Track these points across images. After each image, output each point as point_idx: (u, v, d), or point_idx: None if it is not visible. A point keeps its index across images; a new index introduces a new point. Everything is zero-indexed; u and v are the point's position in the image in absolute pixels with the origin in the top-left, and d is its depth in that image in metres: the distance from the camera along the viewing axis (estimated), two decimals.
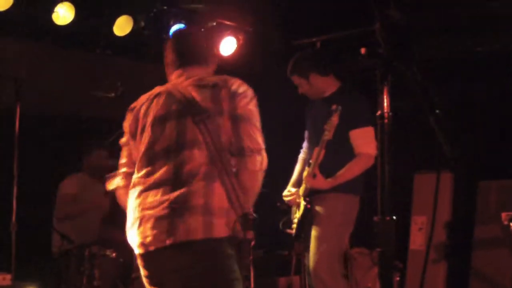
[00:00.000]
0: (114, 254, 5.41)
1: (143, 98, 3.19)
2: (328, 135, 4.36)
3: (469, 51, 5.98)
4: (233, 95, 2.97)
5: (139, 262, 3.06)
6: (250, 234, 2.86)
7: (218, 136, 2.92)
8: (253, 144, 2.95)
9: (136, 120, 3.14)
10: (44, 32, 5.75)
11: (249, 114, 2.98)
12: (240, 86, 3.02)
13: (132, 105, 3.22)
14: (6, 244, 4.84)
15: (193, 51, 3.23)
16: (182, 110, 2.98)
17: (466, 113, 6.19)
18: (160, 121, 3.02)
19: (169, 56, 3.26)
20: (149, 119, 3.06)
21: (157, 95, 3.11)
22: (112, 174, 3.30)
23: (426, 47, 5.33)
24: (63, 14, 5.57)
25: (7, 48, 5.86)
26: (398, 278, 5.81)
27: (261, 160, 2.97)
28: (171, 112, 3.01)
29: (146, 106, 3.12)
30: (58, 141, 6.34)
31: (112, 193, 6.06)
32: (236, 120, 2.95)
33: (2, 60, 5.75)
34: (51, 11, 5.50)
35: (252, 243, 2.91)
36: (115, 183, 3.26)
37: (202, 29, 3.43)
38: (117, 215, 5.94)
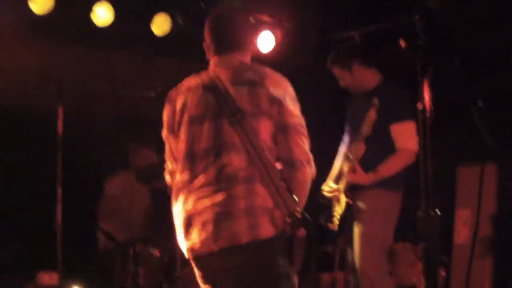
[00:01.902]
0: (158, 253, 5.44)
1: (180, 87, 3.14)
2: (365, 130, 4.32)
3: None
4: (273, 100, 2.92)
5: (192, 263, 3.07)
6: (301, 232, 2.85)
7: (256, 137, 2.89)
8: (304, 156, 2.95)
9: (173, 112, 3.09)
10: (84, 33, 5.81)
11: (297, 122, 2.96)
12: (278, 86, 2.96)
13: (170, 95, 3.16)
14: (52, 243, 4.91)
15: (229, 36, 3.14)
16: (218, 110, 2.95)
17: (509, 103, 6.07)
18: (197, 121, 2.99)
19: (206, 38, 3.19)
20: (186, 116, 3.02)
21: (195, 88, 3.06)
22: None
23: (467, 38, 5.24)
24: (102, 15, 5.63)
25: (48, 50, 5.93)
26: (443, 273, 5.73)
27: (311, 170, 2.99)
28: (208, 111, 2.97)
29: (182, 99, 3.06)
30: (100, 141, 6.41)
31: (155, 192, 6.14)
32: (285, 129, 2.93)
33: (43, 63, 5.82)
34: (90, 12, 5.57)
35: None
36: (166, 178, 3.28)
37: (240, 11, 3.33)
38: (159, 213, 6.01)
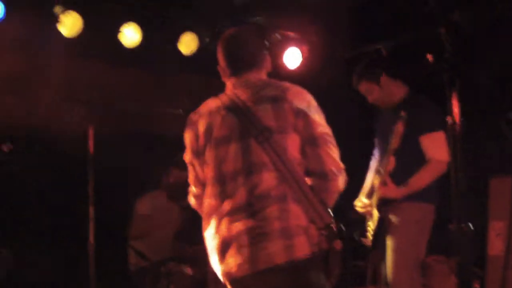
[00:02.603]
0: (189, 270, 5.45)
1: (200, 110, 3.11)
2: (393, 143, 4.29)
3: None
4: (299, 113, 2.90)
5: (227, 285, 3.03)
6: (338, 244, 2.84)
7: (285, 153, 2.86)
8: (335, 165, 2.92)
9: (195, 135, 3.06)
10: (112, 53, 5.88)
11: (325, 134, 2.93)
12: (300, 98, 2.94)
13: (191, 118, 3.13)
14: (84, 263, 4.94)
15: (244, 56, 3.11)
16: (243, 130, 2.92)
17: None
18: (223, 142, 2.96)
19: (220, 60, 3.17)
20: (211, 139, 2.99)
21: (216, 110, 3.02)
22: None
23: (494, 50, 5.20)
24: (130, 35, 5.70)
25: (78, 72, 6.01)
26: (477, 286, 5.66)
27: (343, 178, 2.97)
28: (233, 132, 2.94)
29: (205, 121, 3.03)
30: (131, 159, 6.45)
31: (184, 209, 6.16)
32: (313, 141, 2.90)
33: (73, 84, 5.90)
34: (118, 32, 5.63)
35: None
36: (190, 202, 3.25)
37: (251, 28, 3.33)
38: (190, 230, 6.03)
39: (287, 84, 3.01)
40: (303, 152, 2.93)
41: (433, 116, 4.41)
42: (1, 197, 5.79)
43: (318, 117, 2.94)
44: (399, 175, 4.38)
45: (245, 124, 2.93)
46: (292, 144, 2.90)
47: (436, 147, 4.38)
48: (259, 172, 2.87)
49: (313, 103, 2.98)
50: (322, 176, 2.92)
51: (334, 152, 2.94)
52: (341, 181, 2.95)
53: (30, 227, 5.99)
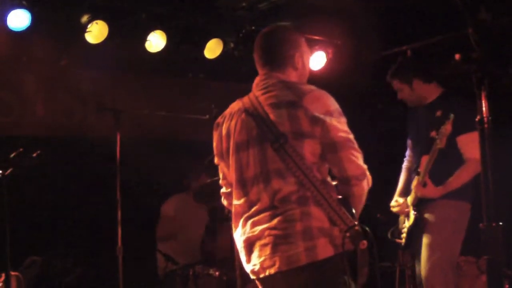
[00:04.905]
0: (217, 273, 5.47)
1: (225, 113, 3.13)
2: (440, 144, 4.27)
3: None
4: (315, 120, 2.85)
5: (257, 283, 3.07)
6: (363, 244, 2.83)
7: (301, 159, 2.84)
8: (357, 171, 2.88)
9: (220, 139, 3.10)
10: (138, 61, 5.93)
11: (344, 137, 2.88)
12: (317, 104, 2.88)
13: (216, 121, 3.17)
14: (113, 268, 4.98)
15: (269, 51, 3.10)
16: (260, 135, 2.92)
17: None
18: (243, 147, 2.98)
19: (255, 56, 3.17)
20: (232, 143, 3.02)
21: (237, 113, 3.04)
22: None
23: None
24: (156, 42, 5.74)
25: (104, 79, 6.08)
26: (508, 287, 5.61)
27: (367, 182, 2.94)
28: (251, 137, 2.95)
29: (227, 124, 3.06)
30: (157, 165, 6.50)
31: (213, 211, 6.18)
32: (333, 147, 2.87)
33: (100, 92, 5.97)
34: (144, 40, 5.68)
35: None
36: (223, 203, 3.29)
37: (286, 28, 3.30)
38: (218, 233, 6.06)
39: (306, 88, 2.96)
40: (323, 157, 2.91)
41: (469, 116, 4.35)
42: (30, 203, 5.86)
43: (337, 122, 2.89)
44: (437, 175, 4.38)
45: (262, 129, 2.93)
46: (310, 150, 2.88)
47: (473, 147, 4.33)
48: (277, 178, 2.88)
49: (333, 107, 2.92)
50: (345, 182, 2.91)
51: (356, 157, 2.89)
52: (364, 184, 2.93)
53: (59, 232, 6.06)
